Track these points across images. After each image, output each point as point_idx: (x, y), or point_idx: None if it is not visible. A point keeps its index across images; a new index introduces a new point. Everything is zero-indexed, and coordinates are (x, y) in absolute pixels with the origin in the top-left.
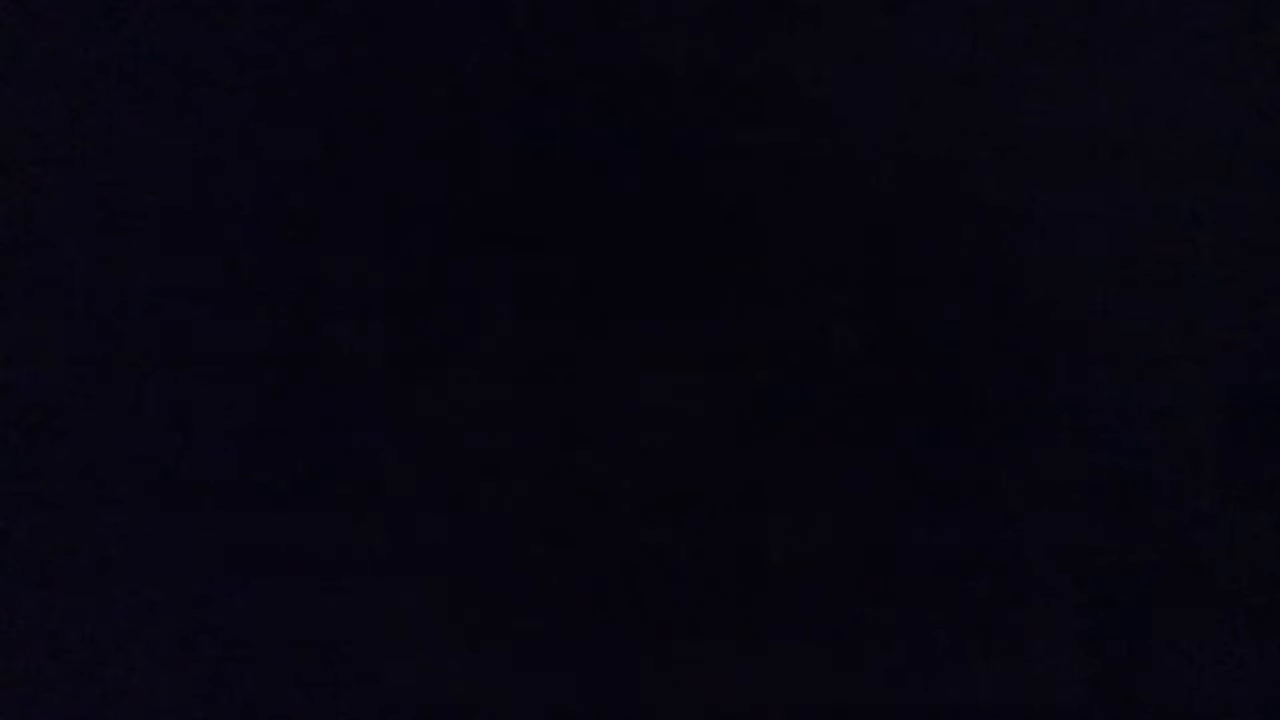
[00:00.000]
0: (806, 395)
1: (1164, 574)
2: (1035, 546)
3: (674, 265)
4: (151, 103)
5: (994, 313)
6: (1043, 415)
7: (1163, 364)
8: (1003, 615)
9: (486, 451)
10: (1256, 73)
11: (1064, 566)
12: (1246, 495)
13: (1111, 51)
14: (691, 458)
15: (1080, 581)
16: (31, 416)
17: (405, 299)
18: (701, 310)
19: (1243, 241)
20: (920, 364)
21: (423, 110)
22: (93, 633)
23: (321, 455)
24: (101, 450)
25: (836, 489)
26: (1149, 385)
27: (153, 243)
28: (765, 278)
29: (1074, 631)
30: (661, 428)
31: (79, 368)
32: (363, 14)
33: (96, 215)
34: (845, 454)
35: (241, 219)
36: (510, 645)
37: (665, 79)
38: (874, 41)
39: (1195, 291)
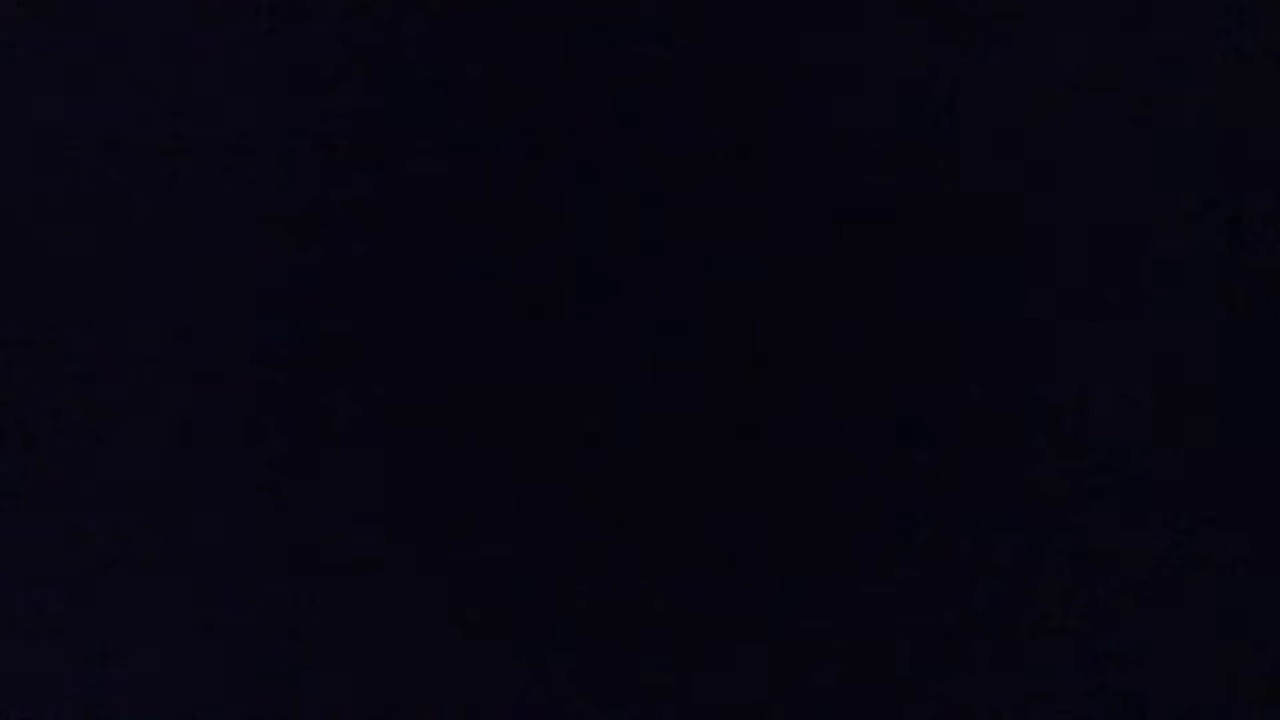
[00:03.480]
0: (805, 395)
1: (1162, 574)
2: (1037, 546)
3: (672, 265)
4: (152, 102)
5: (992, 312)
6: (1042, 415)
7: (1163, 364)
8: (1003, 615)
9: (486, 451)
10: (1257, 73)
11: (1065, 566)
12: (1246, 495)
13: (1111, 51)
14: (691, 457)
15: (1080, 581)
16: (31, 416)
17: (405, 298)
18: (700, 309)
19: (1243, 241)
20: (919, 363)
21: (422, 109)
22: (92, 633)
23: (320, 454)
24: (100, 451)
25: (836, 487)
26: (1148, 385)
27: (153, 241)
28: (763, 277)
29: (1075, 632)
30: (661, 428)
31: (80, 367)
32: (362, 13)
33: (97, 215)
34: (844, 453)
35: (240, 217)
36: (510, 645)
37: (665, 79)
38: (874, 41)
39: (1195, 291)
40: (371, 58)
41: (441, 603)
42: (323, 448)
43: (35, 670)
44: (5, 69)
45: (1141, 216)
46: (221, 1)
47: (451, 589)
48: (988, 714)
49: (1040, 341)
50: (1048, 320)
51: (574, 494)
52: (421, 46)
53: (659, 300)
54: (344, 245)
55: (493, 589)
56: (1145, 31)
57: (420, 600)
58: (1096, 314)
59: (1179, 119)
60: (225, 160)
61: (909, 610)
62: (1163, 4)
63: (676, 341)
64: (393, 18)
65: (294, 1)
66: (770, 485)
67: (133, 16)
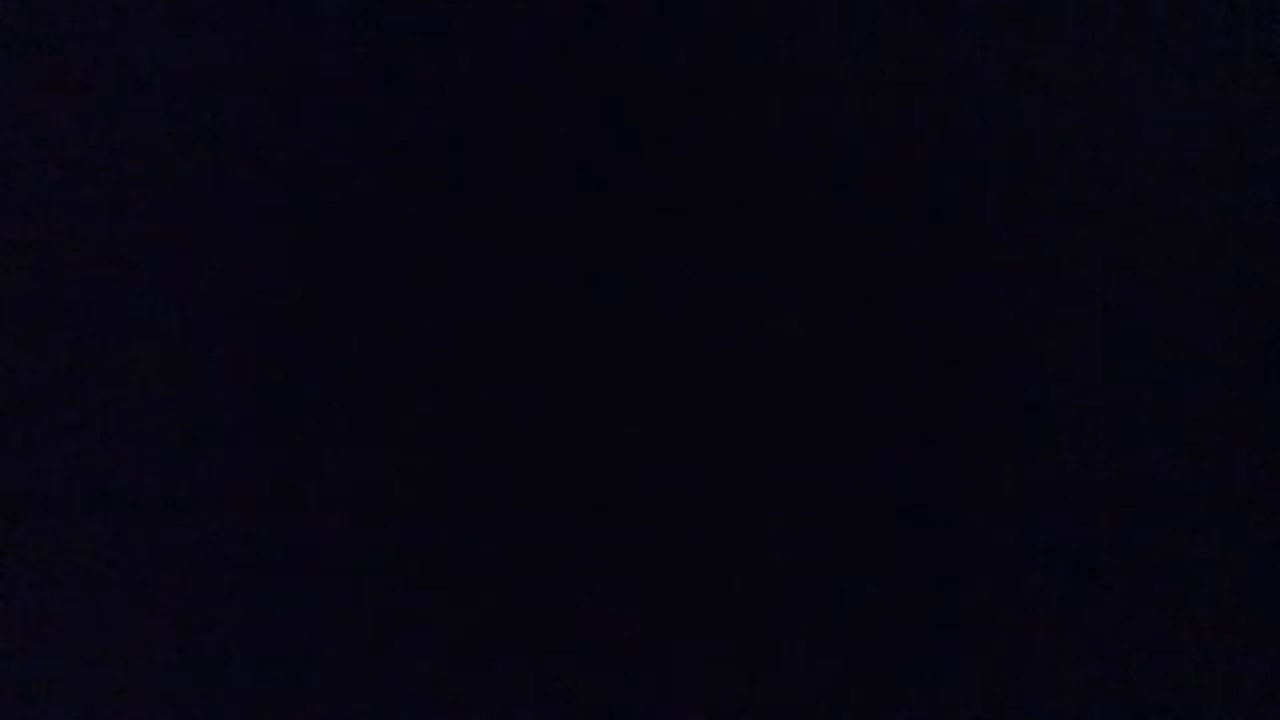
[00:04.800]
0: (804, 395)
1: (1164, 574)
2: (1035, 546)
3: (672, 266)
4: (152, 102)
5: (993, 312)
6: (1042, 415)
7: (1162, 364)
8: (1003, 615)
9: (486, 451)
10: (1257, 73)
11: (1064, 566)
12: (1247, 495)
13: (1111, 51)
14: (691, 457)
15: (1080, 581)
16: (31, 416)
17: (405, 298)
18: (700, 310)
19: (1243, 241)
20: (920, 363)
21: (423, 109)
22: (93, 633)
23: (320, 455)
24: (102, 450)
25: (836, 489)
26: (1148, 385)
27: (153, 242)
28: (762, 277)
29: (1074, 631)
30: (661, 428)
31: (79, 367)
32: (361, 13)
33: (97, 216)
34: (844, 454)
35: (242, 219)
36: (509, 646)
37: (665, 79)
38: (874, 42)
39: (1195, 291)
40: (371, 58)
41: (442, 603)
42: (323, 447)
43: (35, 670)
44: (5, 69)
45: (1142, 216)
46: (222, 1)
47: (451, 589)
48: (987, 714)
49: (1039, 341)
50: (1047, 320)
51: (574, 494)
52: (422, 48)
53: (658, 300)
54: (345, 243)
55: (492, 589)
56: (1145, 31)
57: (419, 600)
58: (1096, 314)
59: (1179, 119)
60: (225, 160)
61: (908, 609)
62: (1163, 4)
63: (676, 341)
64: (393, 18)
65: (295, 1)
66: (769, 485)
67: (133, 16)
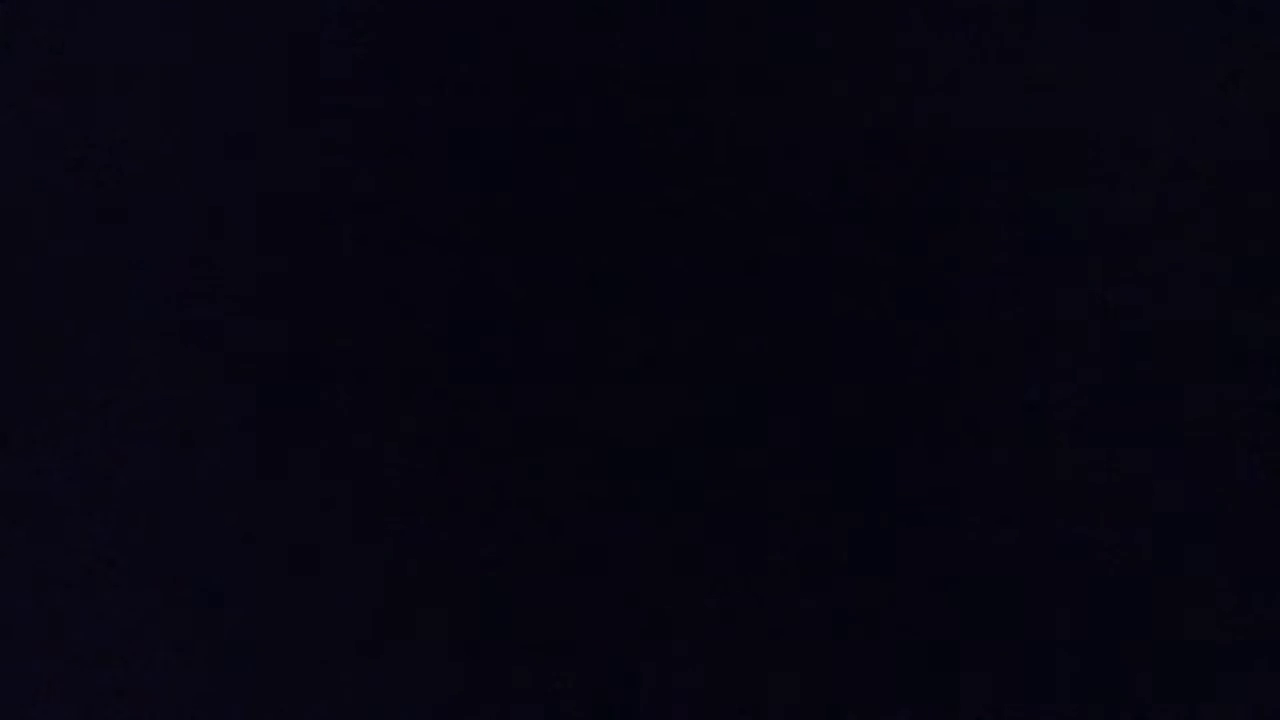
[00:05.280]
0: (804, 396)
1: (1164, 574)
2: (1035, 546)
3: (672, 266)
4: (153, 102)
5: (992, 312)
6: (1042, 415)
7: (1162, 364)
8: (1003, 615)
9: (486, 451)
10: (1257, 73)
11: (1064, 566)
12: (1247, 495)
13: (1111, 51)
14: (691, 458)
15: (1080, 581)
16: (31, 417)
17: (406, 298)
18: (699, 310)
19: (1243, 241)
20: (919, 363)
21: (423, 109)
22: (93, 633)
23: (320, 455)
24: (102, 450)
25: (836, 488)
26: (1148, 385)
27: (154, 242)
28: (762, 277)
29: (1074, 631)
30: (660, 428)
31: (80, 368)
32: (361, 14)
33: (97, 215)
34: (844, 454)
35: (242, 218)
36: (509, 646)
37: (665, 79)
38: (874, 41)
39: (1195, 291)
40: (371, 58)
41: (441, 603)
42: (323, 448)
43: (35, 671)
44: (5, 69)
45: (1142, 216)
46: (222, 2)
47: (451, 589)
48: (987, 714)
49: (1039, 341)
50: (1047, 320)
51: (574, 494)
52: (422, 48)
53: (658, 300)
54: (344, 245)
55: (492, 589)
56: (1145, 31)
57: (419, 600)
58: (1096, 314)
59: (1179, 119)
60: (226, 159)
61: (908, 609)
62: (1163, 4)
63: (677, 341)
64: (393, 18)
65: (295, 1)
66: (768, 486)
67: (133, 16)
